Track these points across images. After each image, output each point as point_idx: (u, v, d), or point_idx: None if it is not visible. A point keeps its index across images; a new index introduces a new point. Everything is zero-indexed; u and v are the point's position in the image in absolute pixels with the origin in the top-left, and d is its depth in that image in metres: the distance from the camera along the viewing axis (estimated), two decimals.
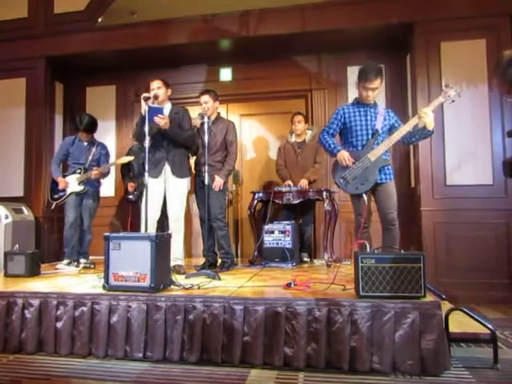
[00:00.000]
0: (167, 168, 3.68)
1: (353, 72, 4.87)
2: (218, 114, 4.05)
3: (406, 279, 2.30)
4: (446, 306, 2.55)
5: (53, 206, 4.34)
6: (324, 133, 3.27)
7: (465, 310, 2.40)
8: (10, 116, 5.15)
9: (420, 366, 2.18)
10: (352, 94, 4.79)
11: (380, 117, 3.14)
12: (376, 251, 2.51)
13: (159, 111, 3.48)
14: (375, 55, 4.79)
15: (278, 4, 4.52)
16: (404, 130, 3.04)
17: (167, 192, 3.71)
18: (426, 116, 2.93)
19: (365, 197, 3.11)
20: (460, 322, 2.46)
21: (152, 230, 3.51)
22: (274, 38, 4.62)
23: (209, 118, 3.87)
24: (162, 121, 3.50)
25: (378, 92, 3.13)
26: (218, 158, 3.92)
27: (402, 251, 2.51)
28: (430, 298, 2.40)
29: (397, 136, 3.05)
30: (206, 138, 3.57)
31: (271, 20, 4.55)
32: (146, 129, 3.34)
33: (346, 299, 2.34)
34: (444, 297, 2.82)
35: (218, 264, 4.02)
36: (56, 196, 4.28)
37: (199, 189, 3.95)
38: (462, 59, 4.16)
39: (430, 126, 2.97)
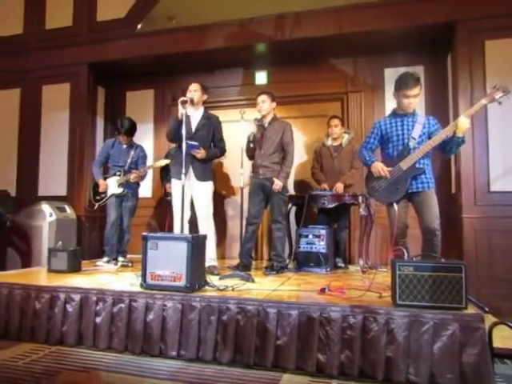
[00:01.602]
0: (191, 171, 3.74)
1: (390, 74, 4.80)
2: (275, 115, 4.05)
3: (446, 289, 2.23)
4: (489, 319, 2.44)
5: (95, 207, 4.54)
6: (362, 148, 3.30)
7: (510, 324, 2.29)
8: (55, 119, 5.38)
9: (460, 380, 2.10)
10: (389, 96, 4.70)
11: (418, 125, 3.07)
12: (414, 259, 2.44)
13: (196, 147, 3.63)
14: (413, 56, 4.68)
15: (312, 7, 4.50)
16: (440, 137, 2.93)
17: (193, 194, 3.78)
18: (463, 124, 2.82)
19: (395, 206, 3.04)
20: (504, 337, 2.36)
21: (185, 230, 3.57)
22: (310, 40, 4.59)
23: (265, 118, 3.91)
24: (198, 155, 3.67)
25: (418, 99, 3.08)
26: (276, 159, 3.92)
27: (443, 260, 2.43)
28: (471, 309, 2.32)
29: (431, 144, 2.96)
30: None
31: (306, 23, 4.53)
32: (184, 133, 3.42)
33: (382, 307, 2.30)
34: (487, 309, 2.70)
35: (267, 265, 4.03)
36: (98, 197, 4.46)
37: (254, 191, 3.97)
38: (508, 58, 3.99)
39: (461, 131, 2.85)
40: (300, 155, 5.32)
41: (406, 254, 2.79)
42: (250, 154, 4.03)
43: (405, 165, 3.01)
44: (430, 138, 3.05)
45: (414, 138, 3.03)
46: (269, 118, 3.98)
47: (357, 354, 2.24)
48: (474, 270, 3.78)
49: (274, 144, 3.91)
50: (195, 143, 3.63)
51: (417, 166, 3.01)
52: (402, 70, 3.14)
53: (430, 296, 2.25)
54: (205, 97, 3.87)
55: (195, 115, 3.81)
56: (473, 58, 4.09)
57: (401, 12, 4.24)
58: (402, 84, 3.01)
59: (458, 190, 4.15)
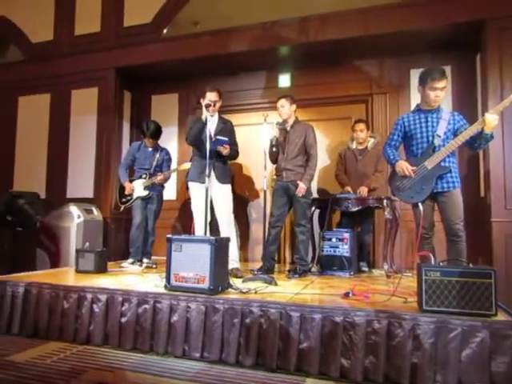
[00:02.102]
0: (212, 174, 3.75)
1: (416, 75, 4.67)
2: (296, 118, 4.05)
3: (474, 295, 2.17)
4: None
5: (121, 209, 4.63)
6: (386, 146, 3.24)
7: None
8: (83, 123, 5.52)
9: None
10: (415, 97, 4.63)
11: (443, 122, 2.98)
12: (441, 264, 2.39)
13: (225, 142, 3.65)
14: (440, 56, 4.59)
15: (337, 8, 4.47)
16: (467, 134, 2.86)
17: (214, 197, 3.80)
18: (491, 120, 2.74)
19: (420, 206, 2.98)
20: None
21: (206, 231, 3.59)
22: (334, 42, 4.57)
23: (286, 121, 3.92)
24: (224, 150, 3.68)
25: (444, 93, 3.00)
26: (299, 162, 3.92)
27: (471, 265, 2.36)
28: (501, 316, 2.25)
29: (457, 141, 2.88)
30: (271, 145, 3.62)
31: (331, 25, 4.50)
32: (208, 134, 3.46)
33: (408, 312, 2.26)
34: None
35: (290, 269, 4.02)
36: (124, 200, 4.54)
37: (278, 194, 3.97)
38: None
39: (489, 127, 2.76)
40: (323, 158, 5.29)
41: (432, 259, 2.73)
42: (274, 157, 4.03)
43: (430, 164, 2.94)
44: (455, 134, 2.97)
45: (439, 136, 2.96)
46: (291, 121, 3.98)
47: (381, 359, 2.20)
48: (503, 276, 3.67)
49: (297, 147, 3.91)
50: (225, 138, 3.65)
51: (442, 164, 2.94)
52: (441, 68, 3.04)
53: (458, 302, 2.20)
54: (221, 103, 3.90)
55: (212, 119, 3.84)
56: (503, 57, 3.99)
57: (428, 12, 4.17)
58: (429, 76, 2.94)
59: (487, 191, 4.04)
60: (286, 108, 3.93)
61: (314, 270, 4.14)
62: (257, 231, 5.32)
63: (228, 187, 3.87)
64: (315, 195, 4.96)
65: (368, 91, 4.98)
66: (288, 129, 3.97)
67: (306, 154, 3.93)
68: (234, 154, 3.94)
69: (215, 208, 3.82)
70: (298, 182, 3.82)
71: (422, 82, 3.00)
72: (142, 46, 5.24)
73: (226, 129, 3.88)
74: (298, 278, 3.71)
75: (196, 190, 3.79)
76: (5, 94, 5.97)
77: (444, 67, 4.45)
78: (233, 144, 3.89)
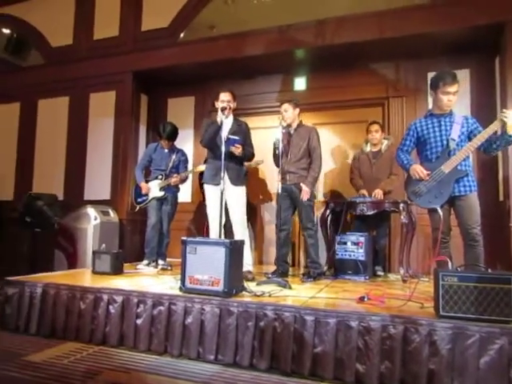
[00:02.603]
0: (226, 176, 3.74)
1: None
2: (300, 121, 4.06)
3: (493, 301, 2.13)
4: None
5: (136, 209, 4.69)
6: (399, 151, 3.22)
7: None
8: (101, 126, 5.61)
9: None
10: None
11: (456, 125, 2.96)
12: (459, 269, 2.35)
13: (237, 141, 3.66)
14: (458, 59, 4.53)
15: (354, 11, 4.46)
16: (482, 136, 2.82)
17: (227, 199, 3.78)
18: (508, 118, 2.69)
19: (440, 211, 2.94)
20: None
21: (217, 235, 3.60)
22: (351, 45, 4.55)
23: (290, 125, 3.92)
24: (237, 150, 3.67)
25: (457, 98, 2.97)
26: (303, 165, 3.92)
27: (489, 270, 2.32)
28: None
29: (474, 144, 2.85)
30: (280, 146, 3.63)
31: (348, 28, 4.49)
32: (223, 137, 3.48)
33: (425, 318, 2.23)
34: None
35: (304, 272, 4.02)
36: (139, 200, 4.59)
37: (282, 197, 3.96)
38: None
39: (510, 127, 2.72)
40: (338, 161, 5.27)
41: (449, 263, 2.69)
42: (277, 160, 4.03)
43: (447, 168, 2.91)
44: (469, 138, 2.95)
45: (454, 139, 2.93)
46: (294, 125, 3.98)
47: (397, 365, 2.17)
48: None
49: (300, 150, 3.91)
50: (237, 137, 3.66)
51: (459, 168, 2.91)
52: (453, 72, 3.01)
53: (476, 308, 2.16)
54: (235, 105, 3.91)
55: (227, 121, 3.85)
56: None
57: (446, 14, 4.13)
58: (441, 81, 2.92)
59: (506, 196, 3.97)
60: (289, 112, 3.93)
61: (327, 273, 4.12)
62: (270, 234, 5.31)
63: (242, 189, 3.87)
64: (327, 198, 4.95)
65: (384, 94, 4.95)
66: (292, 132, 3.97)
67: (310, 157, 3.93)
68: (249, 155, 3.92)
69: (229, 210, 3.83)
70: (302, 185, 3.81)
71: (434, 86, 2.99)
72: (159, 49, 5.31)
73: (240, 130, 3.88)
74: (312, 281, 3.69)
75: (210, 192, 3.81)
76: (25, 98, 6.11)
77: (462, 70, 4.48)
78: (247, 145, 3.89)
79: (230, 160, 3.75)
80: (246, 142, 3.87)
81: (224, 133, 3.76)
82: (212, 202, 3.76)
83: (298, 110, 4.01)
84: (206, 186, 3.89)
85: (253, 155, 3.99)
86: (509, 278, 2.13)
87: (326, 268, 4.18)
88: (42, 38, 6.04)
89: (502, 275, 2.18)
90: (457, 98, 3.00)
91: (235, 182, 3.80)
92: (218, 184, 3.58)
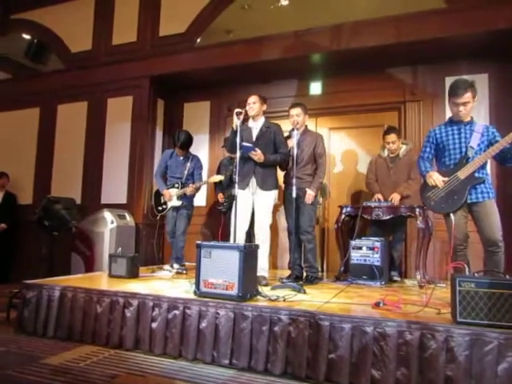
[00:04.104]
0: (254, 180, 3.76)
1: (451, 82, 4.61)
2: (306, 126, 4.06)
3: (511, 307, 2.09)
4: None
5: (158, 217, 4.76)
6: (419, 159, 3.22)
7: None
8: (118, 131, 5.68)
9: None
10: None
11: (476, 134, 2.93)
12: (476, 275, 2.31)
13: (251, 149, 3.63)
14: (477, 64, 4.48)
15: (371, 16, 4.44)
16: (501, 144, 2.78)
17: (255, 204, 3.78)
18: None
19: (452, 216, 2.91)
20: None
21: (241, 240, 3.59)
22: (367, 50, 4.53)
23: (297, 130, 3.92)
24: (255, 157, 3.66)
25: (470, 107, 2.93)
26: (308, 171, 3.92)
27: (507, 276, 2.28)
28: None
29: (491, 152, 2.81)
30: (295, 151, 3.62)
31: (364, 32, 4.47)
32: (238, 141, 3.48)
33: (441, 324, 2.20)
34: None
35: (304, 277, 4.01)
36: (160, 208, 4.69)
37: (288, 202, 3.96)
38: None
39: None
40: (354, 166, 5.24)
41: (466, 269, 2.65)
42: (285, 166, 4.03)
43: (462, 174, 2.89)
44: (489, 147, 2.91)
45: (473, 147, 2.91)
46: (301, 131, 3.96)
47: (414, 371, 2.15)
48: None
49: (306, 156, 3.90)
50: (249, 144, 3.65)
51: (476, 175, 2.88)
52: (465, 78, 2.99)
53: (494, 314, 2.12)
54: (264, 107, 3.90)
55: (256, 125, 3.86)
56: None
57: (465, 18, 4.09)
58: (450, 92, 2.94)
59: None
60: (301, 117, 3.91)
61: (341, 278, 4.10)
62: (285, 238, 5.29)
63: (270, 194, 3.79)
64: (344, 203, 4.92)
65: (401, 99, 4.91)
66: (298, 137, 3.92)
67: (315, 163, 3.92)
68: (275, 159, 3.82)
69: (255, 214, 3.80)
70: (307, 189, 3.81)
71: (448, 95, 3.01)
72: (177, 54, 5.37)
73: (269, 132, 3.84)
74: (309, 284, 3.68)
75: (238, 196, 3.78)
76: (45, 102, 6.23)
77: (481, 75, 4.42)
78: (280, 145, 3.84)
79: (257, 164, 3.74)
80: (277, 142, 3.83)
81: (252, 137, 3.80)
82: (238, 205, 3.74)
83: (307, 116, 4.03)
84: (236, 190, 3.88)
85: (286, 155, 3.88)
86: None
87: (341, 271, 4.16)
88: (62, 44, 6.17)
89: None
90: (471, 107, 2.94)
91: (262, 186, 3.77)
92: (243, 189, 3.61)
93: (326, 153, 4.11)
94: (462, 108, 2.91)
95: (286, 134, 4.02)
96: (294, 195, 3.58)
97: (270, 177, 3.84)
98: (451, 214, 2.92)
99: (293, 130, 3.91)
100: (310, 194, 3.80)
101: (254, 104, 3.81)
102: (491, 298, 2.14)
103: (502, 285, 2.14)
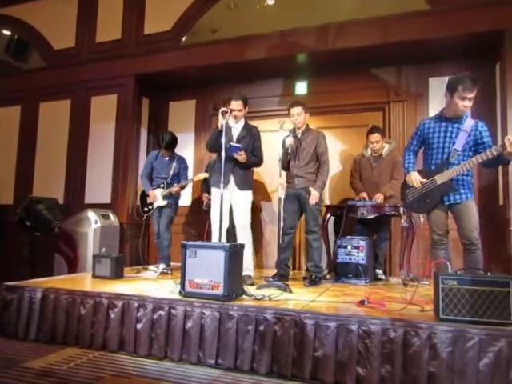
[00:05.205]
0: (232, 180, 3.77)
1: (434, 83, 4.69)
2: (307, 125, 4.06)
3: (492, 304, 2.14)
4: None
5: (144, 218, 4.72)
6: (406, 149, 3.23)
7: None
8: (102, 129, 5.61)
9: None
10: (433, 106, 4.59)
11: (463, 133, 2.90)
12: (458, 272, 2.35)
13: (238, 149, 3.65)
14: (459, 65, 4.53)
15: (357, 16, 4.47)
16: (481, 157, 2.76)
17: (233, 203, 3.80)
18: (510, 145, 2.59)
19: (421, 218, 3.05)
20: None
21: (222, 239, 3.59)
22: (353, 50, 4.56)
23: (298, 129, 3.93)
24: (240, 157, 3.69)
25: (472, 103, 2.89)
26: (311, 169, 3.92)
27: (488, 273, 2.33)
28: None
29: (471, 163, 2.81)
30: (290, 150, 3.64)
31: (350, 33, 4.50)
32: (223, 142, 3.48)
33: (425, 321, 2.23)
34: None
35: (305, 276, 4.02)
36: (146, 209, 4.66)
37: (288, 200, 3.97)
38: None
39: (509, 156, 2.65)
40: (339, 165, 5.27)
41: (449, 266, 2.70)
42: (286, 164, 4.04)
43: (440, 179, 2.91)
44: (475, 149, 2.92)
45: (457, 150, 2.90)
46: (302, 129, 3.98)
47: (398, 368, 2.18)
48: None
49: (308, 154, 3.91)
50: (238, 145, 3.66)
51: (453, 182, 2.89)
52: (474, 77, 2.97)
53: (476, 311, 2.17)
54: (246, 110, 3.92)
55: (237, 126, 3.87)
56: None
57: (448, 20, 4.15)
58: (460, 84, 2.80)
59: (506, 200, 3.97)
60: (302, 116, 3.94)
61: (328, 277, 4.12)
62: (271, 238, 5.31)
63: (248, 194, 3.86)
64: (329, 202, 4.95)
65: (385, 99, 4.96)
66: (299, 136, 3.97)
67: (318, 161, 3.93)
68: (255, 160, 3.91)
69: (234, 214, 3.82)
70: (311, 188, 3.81)
71: (452, 88, 2.87)
72: (162, 53, 5.32)
73: (249, 135, 3.88)
74: (314, 285, 3.68)
75: (215, 196, 3.79)
76: (26, 100, 6.11)
77: None
78: (255, 150, 3.88)
79: (237, 164, 3.75)
80: (254, 147, 3.87)
81: (233, 137, 3.80)
82: (215, 205, 3.76)
83: (308, 114, 4.02)
84: (212, 189, 3.91)
85: (260, 160, 3.97)
86: (507, 281, 2.15)
87: (326, 271, 4.18)
88: (44, 41, 6.05)
89: (501, 278, 2.20)
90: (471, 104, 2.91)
91: (241, 186, 3.80)
92: (223, 188, 3.58)
93: None
94: (468, 103, 2.85)
95: (287, 133, 3.95)
96: (282, 196, 3.61)
97: (248, 177, 3.91)
98: (421, 216, 2.98)
99: (294, 129, 3.93)
100: (314, 194, 3.79)
101: (239, 111, 3.81)
102: (473, 294, 2.18)
103: (484, 282, 2.18)
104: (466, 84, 2.80)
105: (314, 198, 3.79)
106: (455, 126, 2.95)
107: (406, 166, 3.16)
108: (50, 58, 6.03)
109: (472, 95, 2.83)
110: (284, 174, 3.99)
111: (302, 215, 4.06)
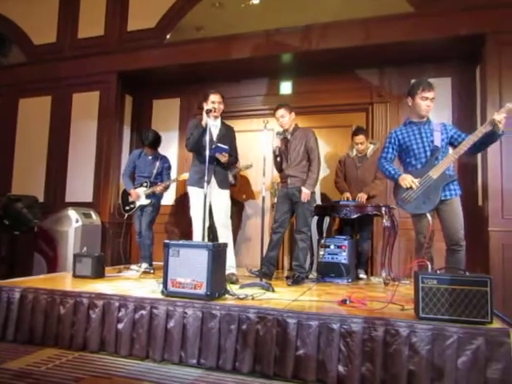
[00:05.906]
0: (213, 179, 3.76)
1: None
2: (296, 124, 4.05)
3: (470, 303, 2.18)
4: None
5: (125, 217, 4.66)
6: (382, 160, 3.19)
7: None
8: (84, 127, 5.52)
9: None
10: None
11: (436, 133, 3.01)
12: (438, 272, 2.39)
13: (224, 150, 3.64)
14: (441, 67, 4.62)
15: (340, 17, 4.51)
16: (472, 140, 2.85)
17: (212, 202, 3.79)
18: (501, 122, 2.72)
19: (428, 216, 2.95)
20: None
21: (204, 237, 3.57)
22: (336, 51, 4.60)
23: (287, 130, 3.93)
24: (223, 158, 3.70)
25: (433, 105, 3.04)
26: (303, 168, 3.90)
27: (467, 273, 2.37)
28: (497, 324, 2.26)
29: (463, 148, 2.88)
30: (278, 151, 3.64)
31: (334, 33, 4.53)
32: (208, 140, 3.45)
33: (405, 320, 2.26)
34: None
35: (288, 275, 4.03)
36: (127, 208, 4.59)
37: (280, 200, 3.98)
38: None
39: (500, 128, 2.76)
40: (323, 165, 5.29)
41: (429, 267, 2.73)
42: (279, 166, 4.04)
43: (435, 174, 2.93)
44: (451, 143, 3.01)
45: (438, 147, 2.97)
46: (291, 129, 3.99)
47: (378, 366, 2.20)
48: (500, 285, 3.68)
49: (299, 153, 3.92)
50: (225, 146, 3.64)
51: (447, 173, 2.94)
52: (430, 81, 3.08)
53: (454, 309, 2.20)
54: (223, 107, 3.90)
55: (215, 124, 3.85)
56: (502, 70, 4.02)
57: (430, 23, 4.21)
58: (420, 86, 3.00)
59: (485, 200, 4.05)
60: (286, 118, 3.93)
61: (311, 276, 4.14)
62: (254, 236, 5.31)
63: (227, 192, 3.89)
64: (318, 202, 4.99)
65: (368, 100, 5.01)
66: (289, 137, 3.98)
67: (309, 159, 3.94)
68: (233, 160, 3.96)
69: (214, 213, 3.82)
70: (302, 187, 3.81)
71: (413, 92, 3.05)
72: (146, 50, 5.26)
73: (229, 135, 3.89)
74: (296, 285, 3.69)
75: (195, 195, 3.78)
76: (5, 96, 5.98)
77: (444, 78, 4.58)
78: (232, 150, 3.89)
79: (218, 164, 3.75)
80: (232, 148, 3.87)
81: (213, 136, 3.76)
82: (196, 204, 3.73)
83: (293, 114, 4.01)
84: (190, 189, 3.85)
85: (236, 160, 4.02)
86: (485, 281, 2.19)
87: (309, 271, 4.20)
88: (24, 36, 5.92)
89: (479, 278, 2.24)
90: (433, 106, 3.06)
91: (221, 185, 3.81)
92: (203, 187, 3.56)
93: None
94: (429, 103, 2.99)
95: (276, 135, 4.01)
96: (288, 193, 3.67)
97: (226, 176, 3.96)
98: (428, 215, 2.96)
99: (284, 131, 3.94)
100: (305, 192, 3.78)
101: (219, 104, 3.80)
102: (452, 294, 2.21)
103: (462, 281, 2.22)
104: (424, 85, 3.00)
105: (305, 195, 3.79)
106: (425, 127, 3.07)
107: (392, 172, 3.09)
108: (31, 54, 5.91)
109: (432, 95, 3.00)
110: (268, 173, 3.99)
111: (294, 215, 4.07)
